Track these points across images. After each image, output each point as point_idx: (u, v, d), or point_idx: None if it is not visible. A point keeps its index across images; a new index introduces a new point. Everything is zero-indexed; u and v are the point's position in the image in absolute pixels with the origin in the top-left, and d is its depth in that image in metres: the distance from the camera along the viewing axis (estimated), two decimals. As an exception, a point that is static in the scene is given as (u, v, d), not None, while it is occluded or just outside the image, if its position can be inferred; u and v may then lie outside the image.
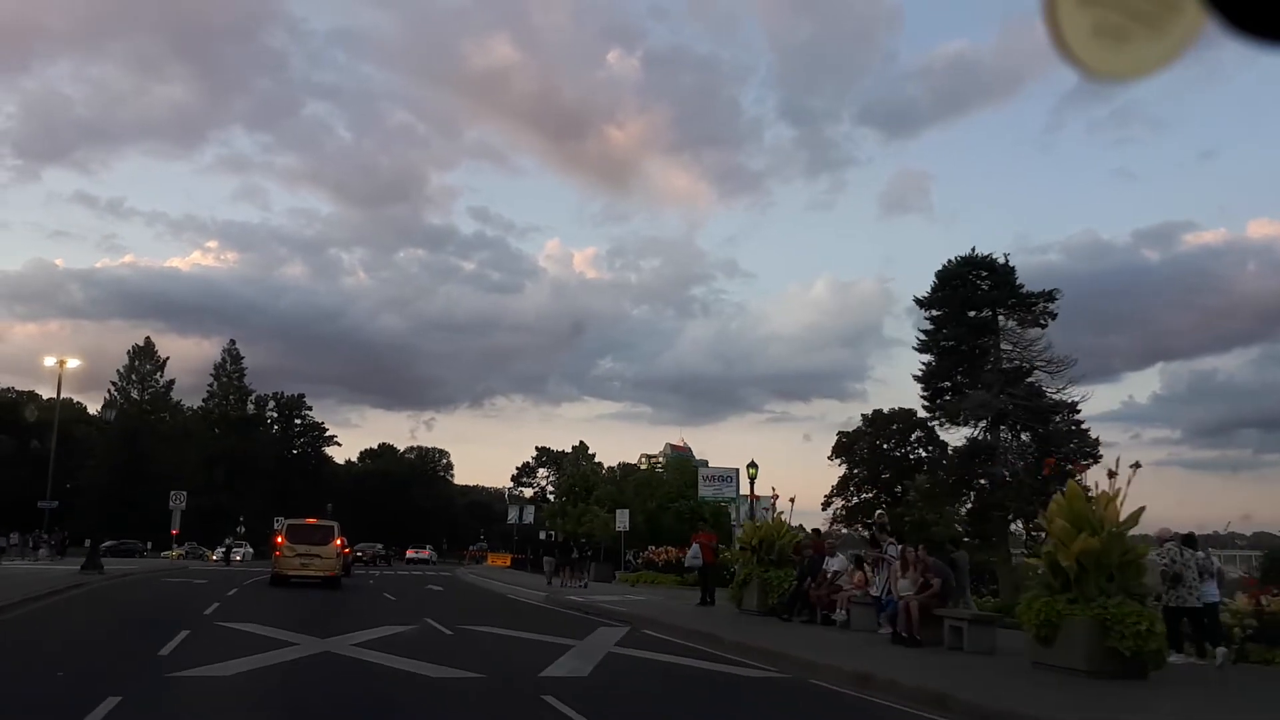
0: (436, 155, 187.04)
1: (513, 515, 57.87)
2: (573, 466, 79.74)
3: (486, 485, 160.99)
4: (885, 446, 64.99)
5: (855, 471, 65.42)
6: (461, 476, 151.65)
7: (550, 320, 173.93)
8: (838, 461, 65.90)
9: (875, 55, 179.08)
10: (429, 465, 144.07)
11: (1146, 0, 1.54)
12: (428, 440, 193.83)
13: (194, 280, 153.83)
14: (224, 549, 58.84)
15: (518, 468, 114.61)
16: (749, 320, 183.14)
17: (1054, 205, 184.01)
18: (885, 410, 65.17)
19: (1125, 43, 1.56)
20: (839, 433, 67.36)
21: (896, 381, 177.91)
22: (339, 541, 30.40)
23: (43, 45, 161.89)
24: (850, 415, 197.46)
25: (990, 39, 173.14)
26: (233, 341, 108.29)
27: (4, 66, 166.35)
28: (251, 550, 69.49)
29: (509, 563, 53.73)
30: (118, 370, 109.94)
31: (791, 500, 23.75)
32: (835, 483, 65.23)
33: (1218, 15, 1.47)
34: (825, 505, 64.48)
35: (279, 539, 29.60)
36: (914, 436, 64.39)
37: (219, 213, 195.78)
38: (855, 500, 64.70)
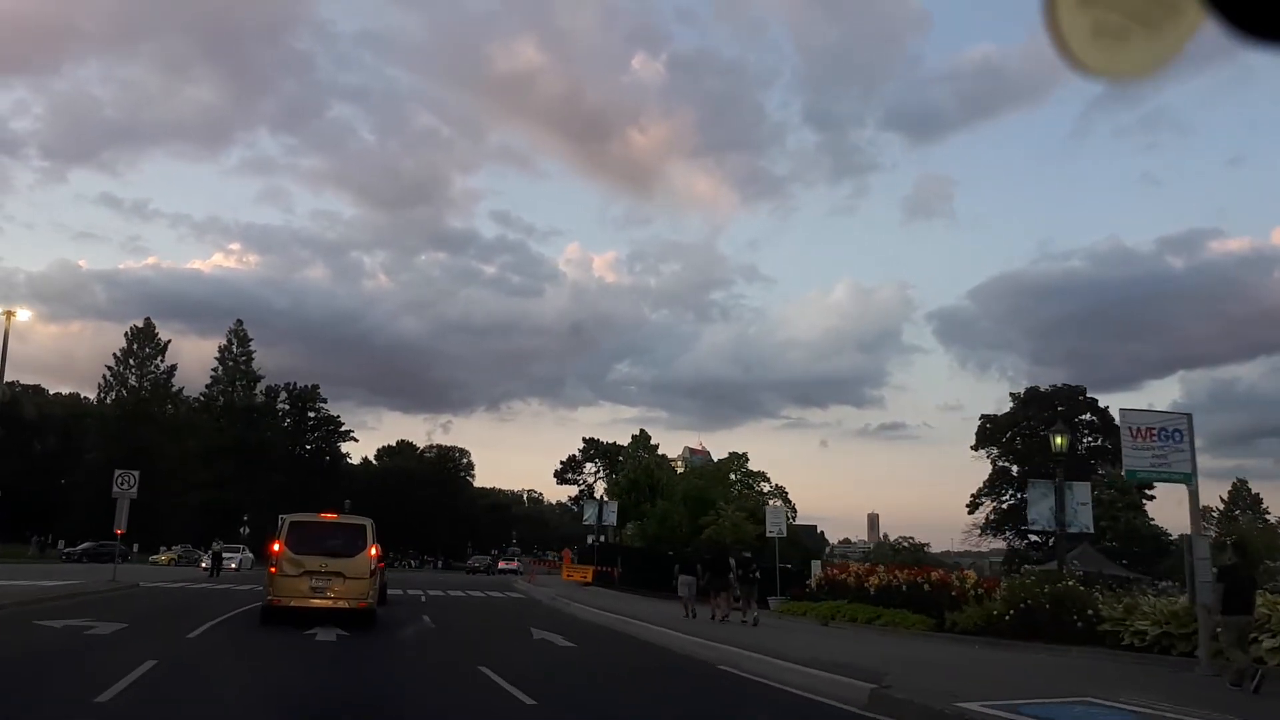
0: (460, 158, 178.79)
1: (590, 514, 42.15)
2: (632, 459, 64.12)
3: (504, 488, 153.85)
4: (1043, 431, 49.04)
5: (1007, 466, 49.66)
6: (478, 479, 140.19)
7: (569, 324, 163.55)
8: (983, 453, 50.22)
9: (901, 59, 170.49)
10: (449, 465, 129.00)
11: (1146, 0, 1.46)
12: (445, 443, 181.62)
13: (215, 282, 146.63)
14: (211, 554, 42.97)
15: (562, 461, 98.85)
16: (768, 325, 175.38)
17: (1078, 211, 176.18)
18: (1043, 388, 49.37)
19: (1125, 43, 1.48)
20: (983, 416, 51.67)
21: (915, 388, 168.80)
22: (374, 551, 17.48)
23: (73, 47, 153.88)
24: (867, 422, 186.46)
25: (1018, 43, 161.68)
26: (239, 321, 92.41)
27: (35, 68, 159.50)
28: (251, 555, 53.78)
29: (590, 577, 38.00)
30: (114, 354, 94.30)
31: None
32: (985, 479, 49.50)
33: (1218, 16, 1.39)
34: (972, 508, 48.86)
35: (276, 546, 17.29)
36: (1079, 418, 48.64)
37: (242, 215, 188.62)
38: (1010, 501, 49.08)
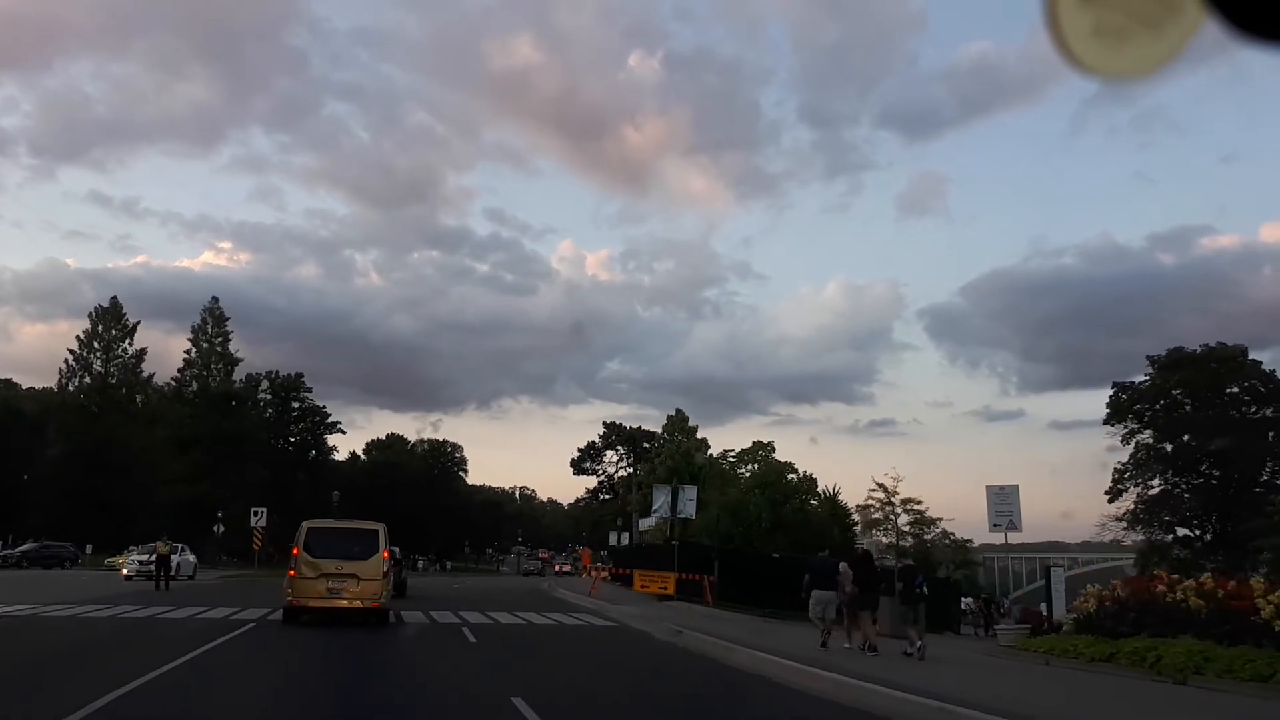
0: (454, 156, 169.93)
1: (660, 503, 30.22)
2: (670, 443, 52.92)
3: (494, 485, 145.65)
4: (1189, 401, 38.47)
5: (1153, 443, 38.99)
6: (469, 477, 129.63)
7: (562, 322, 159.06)
8: (1118, 428, 39.58)
9: (898, 57, 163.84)
10: (442, 459, 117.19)
11: (1146, 0, 1.41)
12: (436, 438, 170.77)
13: (205, 281, 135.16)
14: (155, 558, 31.05)
15: (580, 449, 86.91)
16: (760, 323, 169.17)
17: (1071, 209, 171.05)
18: (1191, 349, 38.68)
19: (1125, 43, 1.42)
20: (1114, 383, 41.00)
21: (905, 384, 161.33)
22: (386, 554, 17.24)
23: (64, 43, 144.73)
24: (857, 418, 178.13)
25: (1014, 41, 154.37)
26: (215, 299, 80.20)
27: (24, 64, 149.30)
28: (194, 559, 40.89)
29: (672, 588, 26.89)
30: (77, 336, 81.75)
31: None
32: (1126, 460, 38.93)
33: (1218, 16, 1.34)
34: (1112, 496, 38.30)
35: (295, 550, 16.94)
36: (1230, 390, 38.04)
37: (234, 213, 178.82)
38: (1159, 486, 38.59)
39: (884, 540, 42.25)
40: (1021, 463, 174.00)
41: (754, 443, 63.65)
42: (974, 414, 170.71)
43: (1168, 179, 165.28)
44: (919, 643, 15.55)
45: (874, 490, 44.90)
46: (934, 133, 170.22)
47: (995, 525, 18.49)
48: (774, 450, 60.86)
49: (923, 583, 17.33)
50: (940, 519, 43.85)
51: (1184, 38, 1.39)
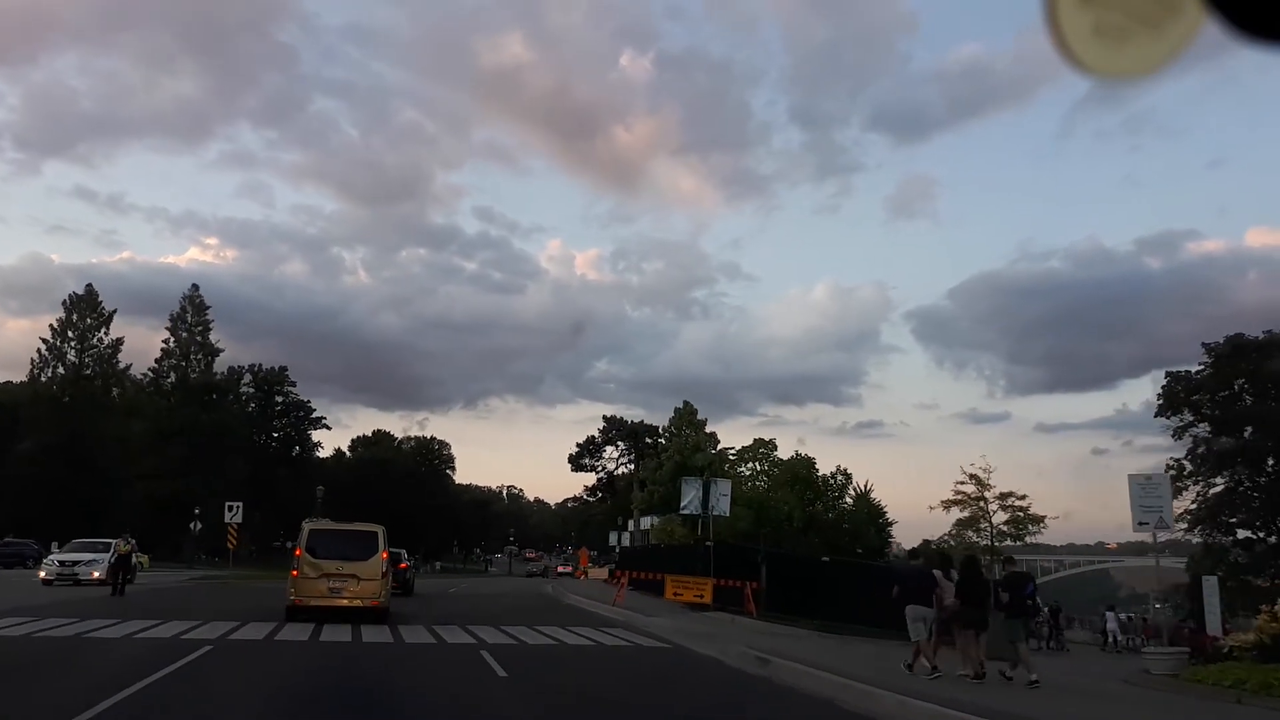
0: (444, 154, 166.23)
1: (689, 499, 25.96)
2: (677, 438, 48.96)
3: (481, 484, 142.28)
4: (1253, 393, 34.95)
5: (1209, 438, 35.44)
6: (455, 476, 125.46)
7: (550, 321, 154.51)
8: (1170, 420, 36.02)
9: (889, 59, 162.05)
10: (430, 457, 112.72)
11: (1146, 0, 1.39)
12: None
13: (191, 277, 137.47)
14: (113, 558, 26.46)
15: (579, 444, 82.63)
16: (748, 324, 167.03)
17: (1059, 212, 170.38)
18: (1253, 335, 35.15)
19: (1125, 43, 1.40)
20: (1167, 373, 37.48)
21: (892, 386, 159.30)
22: (385, 555, 17.66)
23: (51, 37, 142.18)
24: (844, 420, 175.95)
25: (1006, 44, 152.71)
26: (195, 286, 75.60)
27: (10, 58, 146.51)
28: (145, 557, 35.09)
29: (709, 596, 22.98)
30: (51, 325, 76.88)
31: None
32: (1184, 455, 35.35)
33: (1218, 16, 1.34)
34: (1171, 494, 34.58)
35: (297, 551, 17.50)
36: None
37: (221, 209, 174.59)
38: (1222, 484, 35.12)
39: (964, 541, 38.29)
40: (1009, 464, 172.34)
41: (755, 440, 59.99)
42: (960, 416, 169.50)
43: (1156, 183, 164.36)
44: (1032, 672, 12.17)
45: (962, 483, 39.92)
46: (924, 135, 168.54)
47: (1142, 523, 14.75)
48: (776, 448, 57.22)
49: (1034, 592, 14.14)
50: (1046, 516, 39.23)
51: (1184, 38, 1.36)
